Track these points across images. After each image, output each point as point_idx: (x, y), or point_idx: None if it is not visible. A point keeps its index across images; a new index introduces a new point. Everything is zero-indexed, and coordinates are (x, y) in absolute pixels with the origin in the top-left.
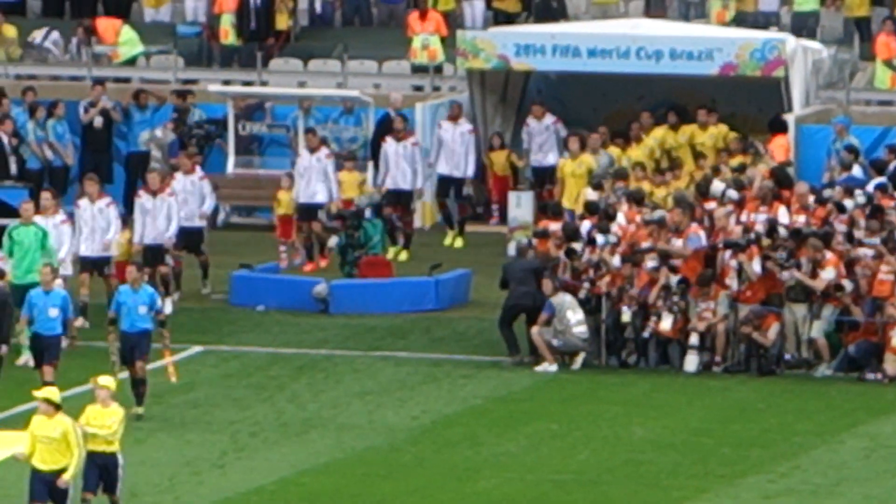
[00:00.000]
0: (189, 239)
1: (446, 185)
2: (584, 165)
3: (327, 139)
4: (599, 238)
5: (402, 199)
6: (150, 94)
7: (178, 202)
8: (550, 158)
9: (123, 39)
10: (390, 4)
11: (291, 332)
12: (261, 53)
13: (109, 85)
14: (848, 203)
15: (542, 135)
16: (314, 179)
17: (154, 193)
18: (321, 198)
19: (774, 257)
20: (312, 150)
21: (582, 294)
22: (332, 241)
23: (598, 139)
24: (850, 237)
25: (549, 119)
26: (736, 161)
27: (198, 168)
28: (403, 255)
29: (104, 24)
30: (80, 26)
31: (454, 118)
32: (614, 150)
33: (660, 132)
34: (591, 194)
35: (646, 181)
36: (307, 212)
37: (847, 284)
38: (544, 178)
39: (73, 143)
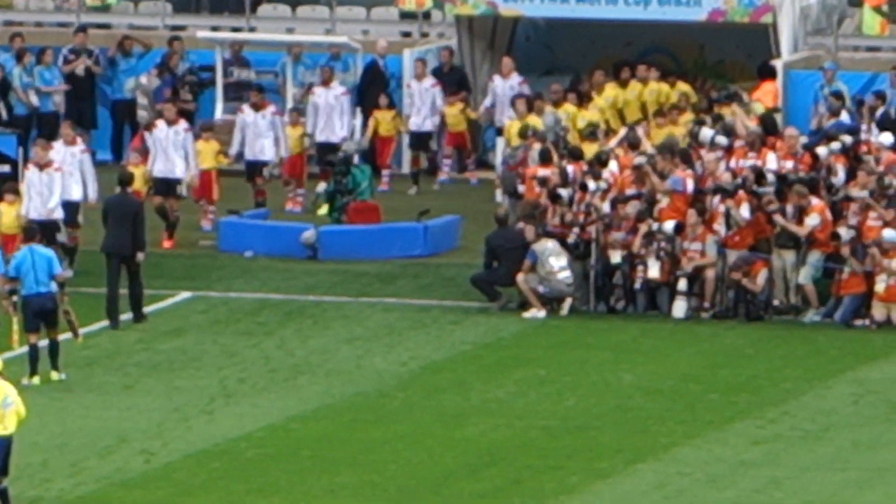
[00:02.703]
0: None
1: (418, 139)
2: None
3: (313, 85)
4: (591, 184)
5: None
6: (135, 40)
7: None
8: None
9: None
10: None
11: (280, 278)
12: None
13: (97, 32)
14: (822, 151)
15: (507, 95)
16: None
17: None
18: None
19: (763, 192)
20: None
21: (571, 239)
22: (321, 187)
23: (541, 103)
24: (828, 185)
25: (515, 79)
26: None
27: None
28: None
29: None
30: None
31: (419, 77)
32: (570, 109)
33: (611, 91)
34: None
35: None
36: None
37: (844, 233)
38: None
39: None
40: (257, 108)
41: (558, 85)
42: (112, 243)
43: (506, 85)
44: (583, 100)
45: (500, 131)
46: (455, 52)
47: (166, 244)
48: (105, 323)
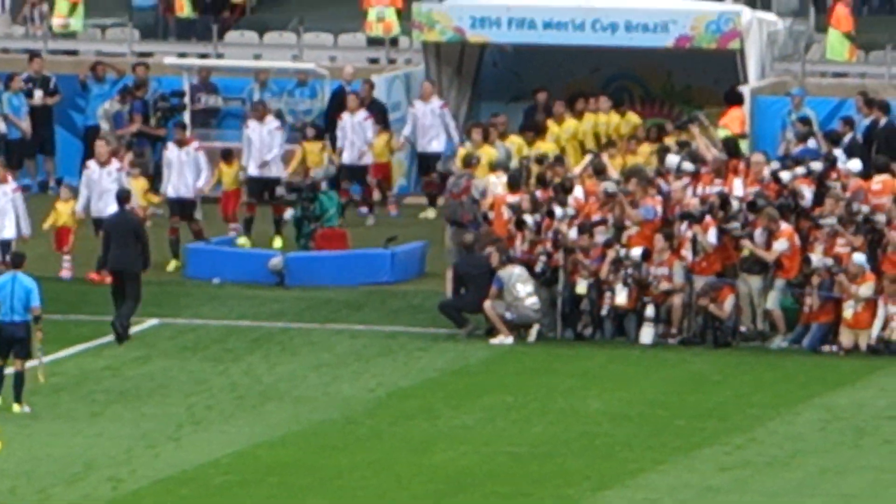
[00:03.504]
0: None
1: (424, 161)
2: (487, 156)
3: (281, 112)
4: (558, 210)
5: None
6: (108, 66)
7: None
8: (434, 145)
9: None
10: None
11: (247, 304)
12: (216, 26)
13: (63, 58)
14: (785, 175)
15: (428, 118)
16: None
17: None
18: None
19: (730, 228)
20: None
21: (539, 266)
22: (288, 213)
23: (495, 133)
24: (794, 209)
25: (436, 102)
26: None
27: (194, 141)
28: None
29: None
30: None
31: (351, 109)
32: (516, 141)
33: (570, 122)
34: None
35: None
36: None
37: (815, 259)
38: (429, 165)
39: None
40: (181, 144)
41: (504, 116)
42: (115, 261)
43: (426, 108)
44: (536, 132)
45: (421, 157)
46: (374, 84)
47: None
48: (75, 349)
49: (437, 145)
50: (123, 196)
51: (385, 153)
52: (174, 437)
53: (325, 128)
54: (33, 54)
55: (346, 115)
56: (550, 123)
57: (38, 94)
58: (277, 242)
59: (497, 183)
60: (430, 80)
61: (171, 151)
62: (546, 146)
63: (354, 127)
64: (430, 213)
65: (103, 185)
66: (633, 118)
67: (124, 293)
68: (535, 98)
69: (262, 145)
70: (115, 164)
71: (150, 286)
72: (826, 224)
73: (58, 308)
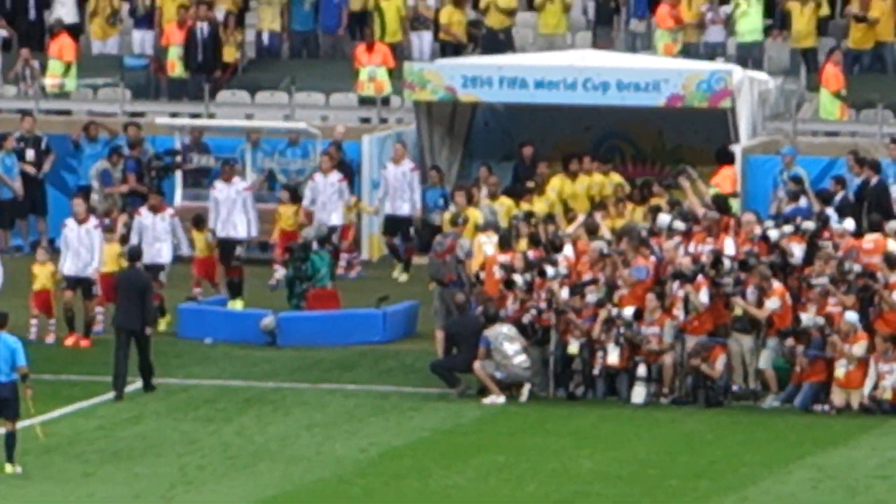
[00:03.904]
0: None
1: (392, 223)
2: (471, 219)
3: (273, 171)
4: (549, 270)
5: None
6: (100, 126)
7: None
8: (405, 208)
9: (71, 72)
10: (331, 34)
11: (239, 364)
12: (208, 86)
13: (56, 118)
14: (773, 234)
15: (399, 181)
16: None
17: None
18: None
19: (723, 283)
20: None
21: (526, 318)
22: (280, 273)
23: (478, 194)
24: (783, 267)
25: (407, 165)
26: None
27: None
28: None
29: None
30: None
31: (325, 171)
32: (505, 203)
33: (557, 182)
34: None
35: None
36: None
37: (805, 318)
38: (397, 227)
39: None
40: (156, 210)
41: (496, 177)
42: (122, 318)
43: (397, 171)
44: (521, 194)
45: (392, 220)
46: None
47: (83, 343)
48: (67, 409)
49: (407, 208)
50: (135, 254)
51: (348, 216)
52: (166, 498)
53: None
54: (25, 113)
55: (318, 176)
56: (550, 183)
57: (31, 153)
58: (237, 304)
59: (487, 242)
60: (400, 142)
61: (145, 218)
62: (537, 206)
63: (327, 188)
64: (403, 277)
65: (81, 243)
66: (616, 178)
67: (126, 350)
68: (521, 152)
69: (231, 205)
70: (92, 221)
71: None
72: (818, 284)
73: (50, 368)
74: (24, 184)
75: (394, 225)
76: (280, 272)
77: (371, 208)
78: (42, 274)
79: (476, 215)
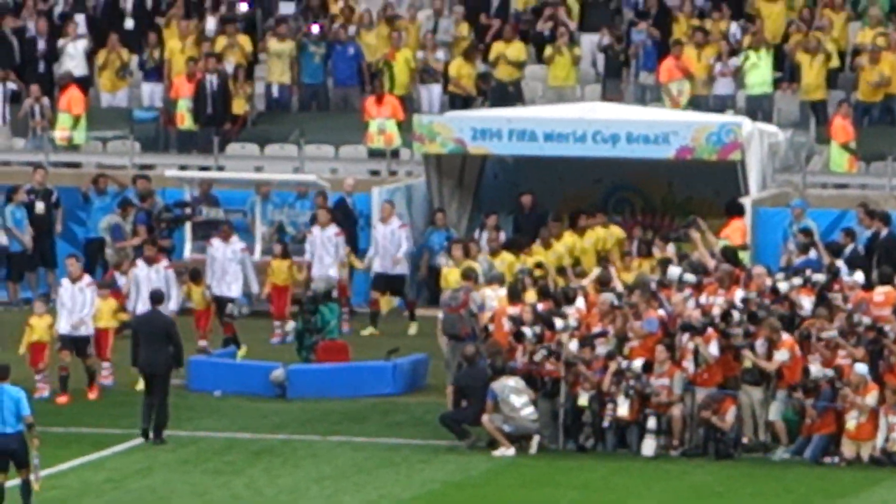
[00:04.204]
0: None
1: (382, 282)
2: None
3: (283, 224)
4: (558, 322)
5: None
6: (109, 178)
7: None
8: (398, 268)
9: (80, 125)
10: (344, 87)
11: (249, 416)
12: (217, 138)
13: (65, 171)
14: (783, 286)
15: (387, 239)
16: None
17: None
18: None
19: (732, 334)
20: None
21: (538, 356)
22: (289, 325)
23: (476, 249)
24: (792, 319)
25: (395, 223)
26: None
27: (163, 259)
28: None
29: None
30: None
31: (322, 224)
32: (506, 258)
33: (569, 239)
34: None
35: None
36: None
37: (815, 370)
38: (387, 286)
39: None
40: (150, 262)
41: (496, 234)
42: (144, 361)
43: (386, 230)
44: (521, 247)
45: (382, 278)
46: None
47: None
48: (76, 461)
49: (399, 268)
50: (157, 297)
51: (287, 277)
52: None
53: None
54: (37, 166)
55: (315, 230)
56: (563, 239)
57: (41, 205)
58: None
59: (493, 296)
60: (388, 202)
61: (140, 269)
62: (541, 257)
63: (324, 242)
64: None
65: (75, 301)
66: (617, 231)
67: (152, 393)
68: (520, 201)
69: (225, 264)
70: (86, 279)
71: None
72: (827, 336)
73: (58, 421)
74: (34, 236)
75: (384, 283)
76: (289, 325)
77: (361, 264)
78: (39, 326)
79: (476, 267)
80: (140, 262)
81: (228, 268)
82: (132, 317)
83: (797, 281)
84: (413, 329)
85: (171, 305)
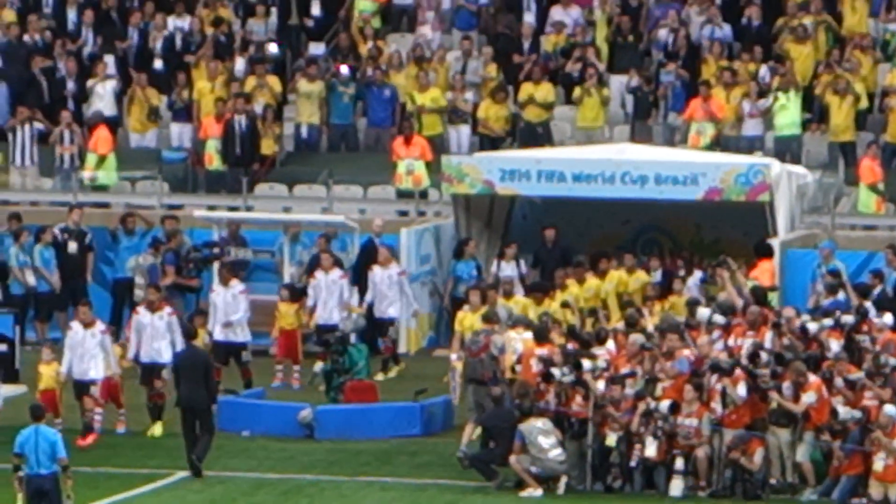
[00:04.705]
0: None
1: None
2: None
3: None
4: (586, 363)
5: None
6: (137, 217)
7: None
8: (391, 311)
9: (106, 165)
10: (378, 128)
11: (276, 457)
12: (246, 179)
13: (94, 211)
14: (812, 326)
15: (384, 284)
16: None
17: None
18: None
19: (759, 374)
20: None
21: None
22: (318, 366)
23: (494, 295)
24: (817, 361)
25: (394, 269)
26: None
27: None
28: (383, 376)
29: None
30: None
31: (326, 269)
32: (520, 302)
33: (591, 282)
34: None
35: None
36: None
37: (842, 411)
38: (383, 329)
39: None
40: (153, 308)
41: (511, 279)
42: (186, 398)
43: (384, 274)
44: (543, 291)
45: (378, 323)
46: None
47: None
48: (104, 502)
49: (392, 311)
50: (191, 333)
51: (294, 321)
52: None
53: (355, 281)
54: (73, 206)
55: (319, 274)
56: (570, 283)
57: (73, 245)
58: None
59: (517, 339)
60: (387, 246)
61: (143, 316)
62: (553, 306)
63: (328, 285)
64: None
65: (87, 346)
66: (643, 276)
67: (194, 429)
68: (543, 235)
69: (228, 309)
70: (99, 325)
71: (178, 439)
72: (854, 378)
73: (87, 461)
74: (66, 276)
75: (379, 329)
76: (318, 365)
77: (359, 309)
78: (47, 373)
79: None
80: (142, 309)
81: (230, 311)
82: (132, 363)
83: (828, 322)
84: (394, 373)
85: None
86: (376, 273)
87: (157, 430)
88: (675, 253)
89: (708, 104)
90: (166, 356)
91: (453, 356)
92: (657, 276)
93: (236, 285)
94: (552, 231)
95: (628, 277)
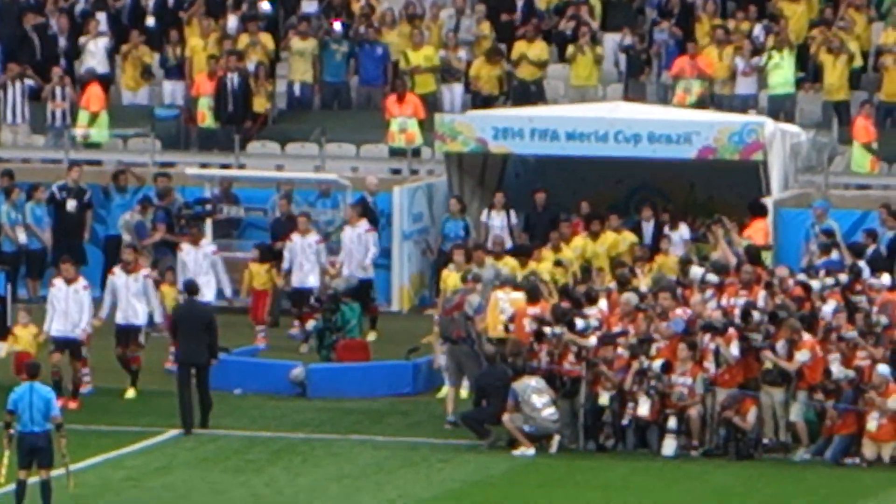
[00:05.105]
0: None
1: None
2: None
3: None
4: (579, 322)
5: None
6: (130, 174)
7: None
8: (360, 272)
9: (98, 122)
10: (370, 86)
11: (269, 415)
12: (238, 136)
13: (86, 168)
14: (816, 284)
15: (354, 243)
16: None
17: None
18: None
19: (752, 338)
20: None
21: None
22: (310, 324)
23: (481, 255)
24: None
25: (362, 226)
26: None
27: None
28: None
29: (93, 94)
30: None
31: (302, 232)
32: (509, 263)
33: (580, 241)
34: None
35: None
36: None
37: (836, 370)
38: (360, 292)
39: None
40: (128, 269)
41: (501, 237)
42: (185, 353)
43: (353, 233)
44: (529, 254)
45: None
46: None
47: (71, 405)
48: (95, 459)
49: (361, 272)
50: (193, 287)
51: (266, 281)
52: None
53: None
54: (73, 164)
55: (295, 237)
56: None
57: (72, 203)
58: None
59: (504, 299)
60: (353, 205)
61: (117, 277)
62: (541, 267)
63: (304, 249)
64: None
65: (69, 304)
66: (630, 236)
67: (189, 386)
68: (534, 199)
69: (197, 269)
70: (81, 282)
71: (170, 397)
72: (847, 338)
73: (78, 419)
74: (63, 234)
75: (299, 297)
76: (310, 323)
77: (333, 270)
78: (23, 336)
79: (477, 273)
80: (117, 270)
81: (199, 272)
82: (101, 322)
83: (829, 281)
84: (372, 336)
85: (156, 318)
86: (346, 232)
87: (130, 393)
88: (668, 212)
89: (695, 61)
90: (142, 318)
91: (436, 317)
92: (650, 227)
93: (206, 245)
94: (542, 194)
95: (617, 237)
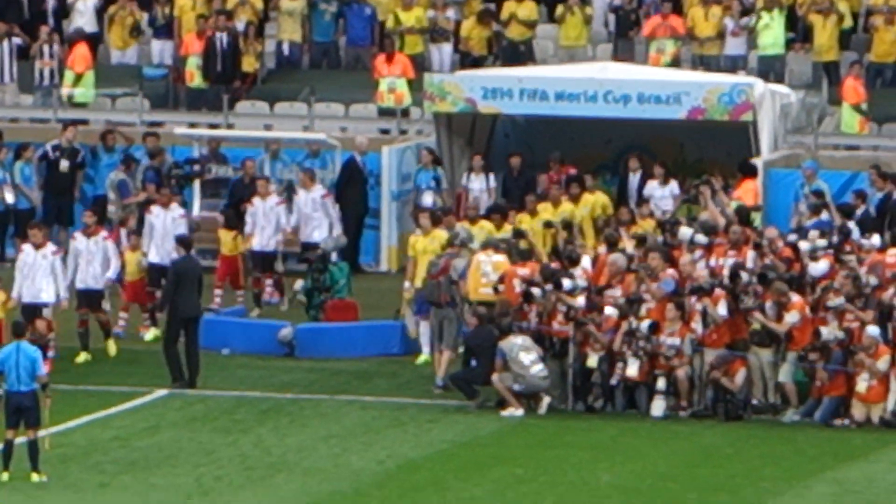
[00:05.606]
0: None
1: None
2: (437, 241)
3: (293, 182)
4: (566, 282)
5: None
6: (118, 134)
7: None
8: (315, 235)
9: (84, 82)
10: (357, 47)
11: (257, 375)
12: (227, 96)
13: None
14: (804, 245)
15: (309, 207)
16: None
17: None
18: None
19: (741, 297)
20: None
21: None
22: (298, 284)
23: (452, 219)
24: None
25: (318, 191)
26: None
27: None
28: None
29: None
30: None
31: (262, 195)
32: (485, 226)
33: (567, 206)
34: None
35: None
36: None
37: (825, 332)
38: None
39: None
40: (89, 233)
41: (475, 201)
42: (185, 307)
43: (308, 197)
44: (505, 216)
45: (304, 247)
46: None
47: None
48: (83, 419)
49: (318, 235)
50: (187, 242)
51: (234, 247)
52: None
53: (337, 199)
54: (67, 123)
55: (256, 200)
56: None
57: (65, 164)
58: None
59: (487, 261)
60: (307, 170)
61: (78, 242)
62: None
63: (266, 212)
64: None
65: (37, 268)
66: (603, 198)
67: (177, 341)
68: (509, 163)
69: (165, 232)
70: (49, 247)
71: (158, 356)
72: (834, 305)
73: (66, 378)
74: (53, 193)
75: (262, 261)
76: (298, 283)
77: (292, 234)
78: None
79: (441, 237)
80: (78, 234)
81: (167, 236)
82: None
83: (822, 243)
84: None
85: (108, 274)
86: (301, 196)
87: (81, 357)
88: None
89: (668, 20)
90: (102, 282)
91: (406, 284)
92: (636, 179)
93: (176, 208)
94: (517, 159)
95: (594, 199)
